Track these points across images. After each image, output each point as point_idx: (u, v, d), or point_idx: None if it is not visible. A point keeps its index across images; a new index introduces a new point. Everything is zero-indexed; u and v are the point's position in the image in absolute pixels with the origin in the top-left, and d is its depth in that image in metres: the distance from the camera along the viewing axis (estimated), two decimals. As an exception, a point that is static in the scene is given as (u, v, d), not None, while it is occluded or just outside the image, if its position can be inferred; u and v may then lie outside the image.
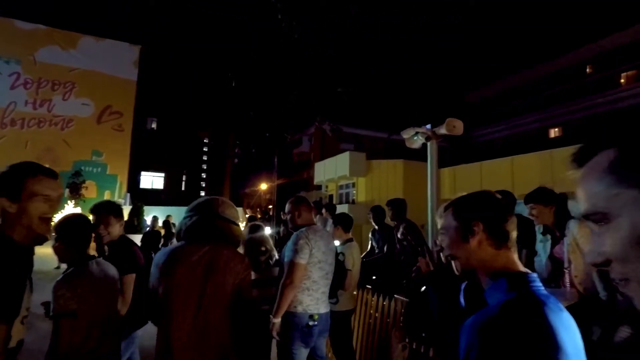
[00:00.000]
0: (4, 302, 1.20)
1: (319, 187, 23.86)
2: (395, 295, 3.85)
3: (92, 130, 18.37)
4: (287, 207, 2.86)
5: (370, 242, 4.72)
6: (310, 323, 2.63)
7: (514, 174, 13.20)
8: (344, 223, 3.55)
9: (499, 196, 1.11)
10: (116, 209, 2.61)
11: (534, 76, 24.59)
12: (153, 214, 11.80)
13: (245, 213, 12.04)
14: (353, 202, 18.66)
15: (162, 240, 8.37)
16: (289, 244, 2.71)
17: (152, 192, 34.02)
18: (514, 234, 1.04)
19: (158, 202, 32.65)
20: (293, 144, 28.47)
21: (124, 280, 2.34)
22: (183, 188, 41.87)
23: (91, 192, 17.41)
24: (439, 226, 1.19)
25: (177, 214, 12.29)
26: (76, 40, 18.66)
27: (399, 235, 4.31)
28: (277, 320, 2.60)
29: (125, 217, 9.39)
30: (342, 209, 12.75)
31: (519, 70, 25.45)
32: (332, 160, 19.75)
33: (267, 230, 5.89)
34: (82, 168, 17.58)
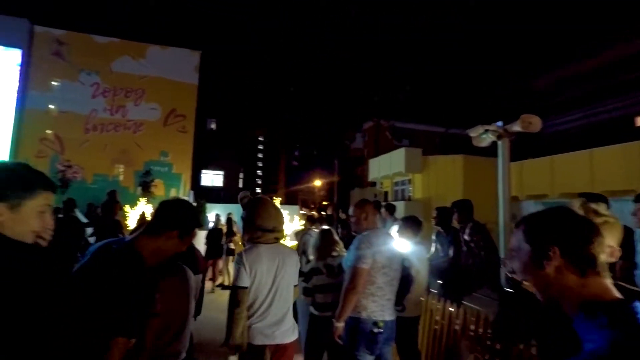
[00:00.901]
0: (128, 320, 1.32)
1: (373, 184, 23.55)
2: (463, 302, 3.64)
3: (160, 133, 19.69)
4: (352, 210, 2.81)
5: (433, 244, 4.51)
6: (375, 330, 2.57)
7: (592, 169, 11.88)
8: (413, 226, 3.40)
9: (580, 213, 0.95)
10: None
11: (617, 56, 21.83)
12: (214, 212, 12.42)
13: (301, 210, 12.16)
14: (409, 199, 18.16)
15: (224, 237, 8.74)
16: (352, 248, 2.67)
17: (212, 189, 36.02)
18: (602, 257, 0.88)
19: (218, 199, 34.50)
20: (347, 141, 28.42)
21: None
22: (240, 185, 43.78)
23: (159, 190, 18.74)
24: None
25: (237, 211, 12.81)
26: (145, 50, 20.13)
27: (465, 237, 4.08)
28: (340, 324, 2.58)
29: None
30: (397, 206, 12.43)
31: (597, 50, 22.50)
32: (386, 157, 19.38)
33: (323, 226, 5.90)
34: (152, 168, 18.93)
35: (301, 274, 3.72)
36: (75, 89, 18.73)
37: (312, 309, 2.99)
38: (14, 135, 17.77)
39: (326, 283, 2.90)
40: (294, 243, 8.82)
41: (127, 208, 12.24)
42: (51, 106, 18.48)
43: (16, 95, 17.96)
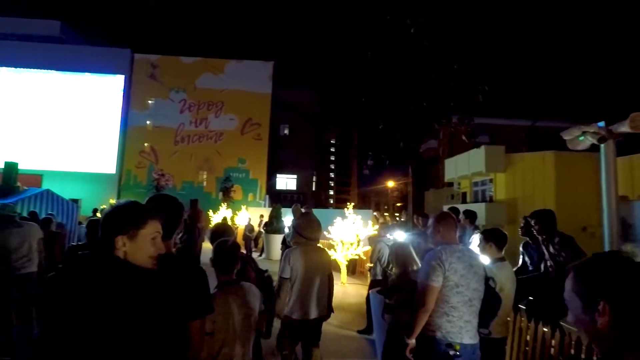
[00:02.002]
0: (203, 299, 1.52)
1: (449, 184, 22.33)
2: (562, 323, 3.24)
3: (237, 141, 21.02)
4: (431, 221, 2.65)
5: (521, 256, 4.08)
6: (451, 352, 2.37)
7: None
8: (497, 240, 3.09)
9: (635, 259, 0.76)
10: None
11: None
12: (289, 216, 12.84)
13: (375, 216, 11.95)
14: (491, 199, 16.83)
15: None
16: (423, 262, 2.51)
17: (287, 193, 37.39)
18: None
19: (292, 202, 35.76)
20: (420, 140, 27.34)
21: None
22: (314, 188, 44.82)
23: (238, 195, 20.01)
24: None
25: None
26: (223, 65, 21.70)
27: (551, 250, 3.62)
28: (411, 342, 2.44)
29: (266, 219, 10.27)
30: (477, 208, 11.56)
31: None
32: (464, 156, 18.19)
33: (401, 234, 5.64)
34: (231, 174, 20.30)
35: (382, 288, 3.62)
36: (167, 106, 20.94)
37: (393, 326, 2.87)
38: (120, 149, 20.42)
39: (410, 300, 2.76)
40: (367, 248, 8.73)
41: (210, 213, 13.18)
42: (147, 122, 20.90)
43: (120, 114, 20.66)
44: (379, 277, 4.86)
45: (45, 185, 12.93)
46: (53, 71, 20.59)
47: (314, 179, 43.75)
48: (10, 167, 12.45)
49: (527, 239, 3.98)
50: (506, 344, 3.27)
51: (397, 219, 13.46)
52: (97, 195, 17.49)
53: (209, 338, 1.81)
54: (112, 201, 16.76)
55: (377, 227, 8.80)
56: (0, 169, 13.00)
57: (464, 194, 19.83)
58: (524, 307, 3.76)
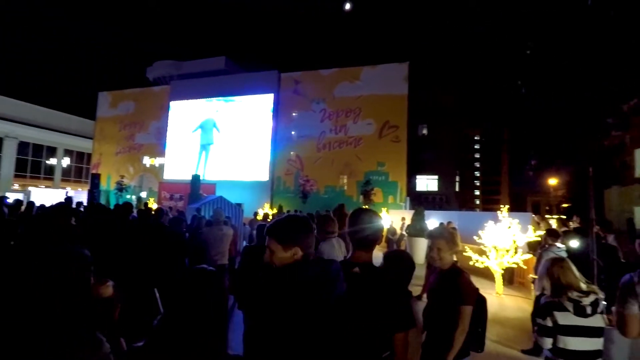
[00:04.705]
0: (407, 313, 1.62)
1: (641, 180, 17.56)
2: None
3: (376, 145, 21.17)
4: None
5: None
6: None
7: None
8: None
9: None
10: (450, 237, 2.49)
11: None
12: (431, 218, 12.15)
13: (537, 222, 10.27)
14: None
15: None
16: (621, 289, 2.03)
17: (428, 194, 35.80)
18: None
19: (433, 203, 33.97)
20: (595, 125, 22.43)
21: (461, 310, 2.30)
22: (457, 189, 41.69)
23: (378, 198, 20.11)
24: None
25: (457, 218, 12.11)
26: (359, 73, 22.28)
27: None
28: None
29: (408, 221, 9.92)
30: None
31: None
32: (663, 142, 14.04)
33: (575, 244, 4.64)
34: (371, 177, 20.54)
35: (538, 309, 3.01)
36: (309, 116, 22.76)
37: (547, 353, 2.30)
38: (271, 159, 23.16)
39: (575, 325, 2.17)
40: (528, 257, 7.51)
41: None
42: (292, 133, 23.12)
43: (271, 129, 23.43)
44: (548, 293, 4.05)
45: (219, 193, 15.54)
46: (221, 98, 24.79)
47: (457, 178, 40.72)
48: (196, 178, 15.47)
49: None
50: None
51: (565, 223, 11.20)
52: (255, 200, 20.16)
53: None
54: (267, 205, 19.06)
55: (539, 232, 7.52)
56: (188, 180, 16.23)
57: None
58: None
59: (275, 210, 14.02)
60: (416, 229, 11.05)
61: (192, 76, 26.77)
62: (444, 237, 2.48)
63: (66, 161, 30.74)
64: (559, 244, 4.69)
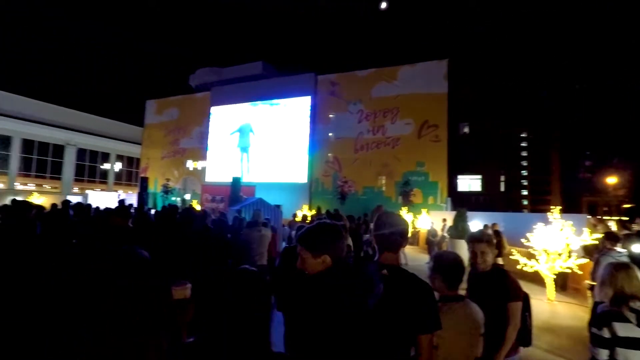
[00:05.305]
0: (433, 314, 1.61)
1: None
2: None
3: (415, 145, 20.73)
4: None
5: None
6: None
7: None
8: None
9: None
10: (490, 239, 2.52)
11: None
12: (475, 220, 11.68)
13: (594, 224, 9.57)
14: None
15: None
16: None
17: (470, 194, 34.45)
18: None
19: (477, 204, 32.64)
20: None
21: (510, 307, 2.33)
22: (502, 189, 39.78)
23: (418, 199, 19.65)
24: None
25: (502, 219, 11.55)
26: (396, 72, 21.95)
27: None
28: None
29: (450, 222, 9.64)
30: None
31: None
32: None
33: (638, 248, 4.27)
34: (410, 178, 20.13)
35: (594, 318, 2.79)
36: (346, 118, 22.69)
37: None
38: (310, 160, 23.33)
39: (638, 337, 1.98)
40: (583, 261, 7.00)
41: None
42: (330, 134, 23.15)
43: (309, 131, 23.61)
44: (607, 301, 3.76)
45: (258, 195, 15.90)
46: (259, 102, 25.38)
47: (502, 178, 38.83)
48: (236, 181, 15.94)
49: None
50: None
51: (626, 225, 10.29)
52: (294, 202, 20.40)
53: (434, 351, 1.81)
54: (306, 206, 19.21)
55: (596, 235, 7.00)
56: (229, 183, 16.75)
57: None
58: None
59: (314, 212, 14.13)
60: (458, 231, 10.68)
61: (231, 82, 27.65)
62: (486, 240, 2.48)
63: (118, 166, 32.94)
64: (619, 248, 4.34)
